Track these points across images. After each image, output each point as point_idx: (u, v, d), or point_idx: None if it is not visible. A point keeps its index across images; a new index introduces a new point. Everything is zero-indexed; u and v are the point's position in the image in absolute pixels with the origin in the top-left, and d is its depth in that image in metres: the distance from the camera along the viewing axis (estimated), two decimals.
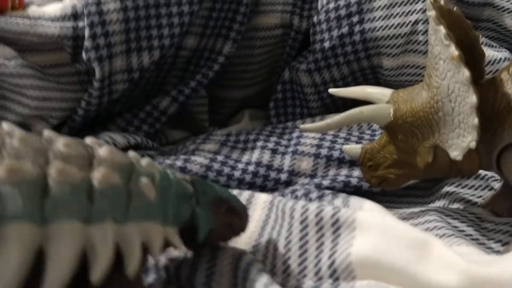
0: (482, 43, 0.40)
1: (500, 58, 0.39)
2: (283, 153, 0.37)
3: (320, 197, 0.29)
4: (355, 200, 0.27)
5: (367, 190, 0.33)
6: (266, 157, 0.36)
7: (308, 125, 0.29)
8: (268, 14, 0.46)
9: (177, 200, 0.21)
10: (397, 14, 0.40)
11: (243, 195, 0.28)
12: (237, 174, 0.35)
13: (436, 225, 0.27)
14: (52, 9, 0.39)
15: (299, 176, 0.35)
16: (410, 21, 0.40)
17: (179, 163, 0.35)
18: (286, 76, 0.46)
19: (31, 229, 0.16)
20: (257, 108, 0.51)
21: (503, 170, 0.27)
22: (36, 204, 0.16)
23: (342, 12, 0.42)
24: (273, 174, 0.35)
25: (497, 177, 0.33)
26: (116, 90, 0.40)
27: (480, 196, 0.32)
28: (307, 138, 0.37)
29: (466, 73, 0.24)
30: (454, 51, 0.24)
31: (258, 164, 0.36)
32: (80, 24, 0.38)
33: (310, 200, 0.29)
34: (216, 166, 0.36)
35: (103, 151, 0.19)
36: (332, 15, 0.42)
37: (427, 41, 0.37)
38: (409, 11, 0.40)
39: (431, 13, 0.25)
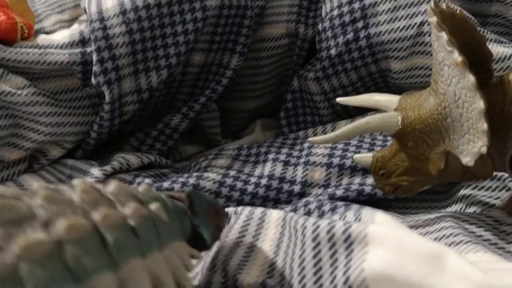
0: (491, 40, 0.40)
1: (511, 55, 0.39)
2: (295, 165, 0.36)
3: (333, 209, 0.28)
4: (367, 212, 0.26)
5: (382, 198, 0.33)
6: (278, 169, 0.36)
7: (317, 138, 0.29)
8: (273, 24, 0.46)
9: (178, 216, 0.22)
10: (402, 17, 0.40)
11: (256, 213, 0.28)
12: (250, 188, 0.35)
13: (452, 232, 0.27)
14: (61, 37, 0.39)
15: (312, 186, 0.35)
16: (415, 23, 0.40)
17: (192, 180, 0.36)
18: (295, 85, 0.46)
19: (110, 277, 0.17)
20: (268, 118, 0.51)
21: None
22: (102, 253, 0.17)
23: (347, 18, 0.42)
24: (286, 187, 0.35)
25: None
26: (127, 111, 0.40)
27: (498, 198, 0.32)
28: (318, 148, 0.37)
29: (471, 78, 0.23)
30: (457, 57, 0.24)
31: (271, 177, 0.36)
32: (88, 49, 0.38)
33: (323, 213, 0.29)
34: (229, 181, 0.36)
35: (112, 188, 0.19)
36: (337, 22, 0.42)
37: None
38: (414, 13, 0.40)
39: (433, 19, 0.25)
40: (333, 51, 0.42)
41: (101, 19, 0.38)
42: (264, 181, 0.36)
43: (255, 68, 0.47)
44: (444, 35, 0.24)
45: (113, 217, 0.18)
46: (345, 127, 0.28)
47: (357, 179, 0.35)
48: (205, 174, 0.36)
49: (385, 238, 0.21)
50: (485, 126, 0.24)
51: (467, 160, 0.25)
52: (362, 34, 0.41)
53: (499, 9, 0.44)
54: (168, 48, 0.40)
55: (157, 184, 0.35)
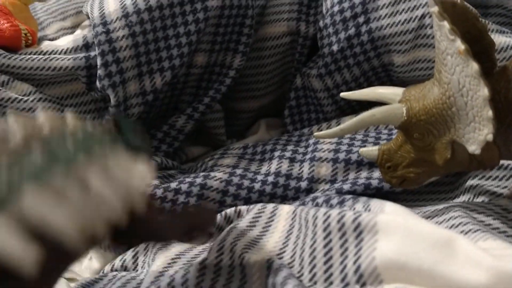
0: (492, 30, 0.40)
1: None
2: (301, 161, 0.37)
3: (341, 203, 0.29)
4: (376, 203, 0.26)
5: (389, 191, 0.33)
6: (285, 166, 0.37)
7: (322, 132, 0.29)
8: (274, 23, 0.46)
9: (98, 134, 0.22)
10: (403, 10, 0.40)
11: (268, 207, 0.28)
12: (257, 186, 0.35)
13: (461, 221, 0.27)
14: (65, 42, 0.40)
15: (319, 182, 0.35)
16: (416, 16, 0.40)
17: (199, 180, 0.36)
18: (298, 82, 0.46)
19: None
20: (273, 117, 0.51)
21: None
22: None
23: (347, 14, 0.42)
24: (293, 183, 0.35)
25: None
26: (132, 113, 0.41)
27: (505, 187, 0.32)
28: (324, 144, 0.37)
29: (475, 66, 0.23)
30: (460, 45, 0.24)
31: (277, 174, 0.36)
32: (92, 53, 0.39)
33: (331, 206, 0.29)
34: (236, 180, 0.36)
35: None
36: (338, 18, 0.42)
37: None
38: (415, 6, 0.40)
39: (434, 9, 0.25)
40: (335, 47, 0.43)
41: (104, 23, 0.38)
42: (271, 179, 0.36)
43: (258, 67, 0.47)
44: (446, 24, 0.24)
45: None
46: (350, 121, 0.28)
47: (364, 173, 0.35)
48: (212, 174, 0.37)
49: (395, 226, 0.21)
50: (490, 113, 0.24)
51: (474, 148, 0.25)
52: (363, 29, 0.41)
53: None
54: (171, 49, 0.40)
55: (164, 185, 0.36)
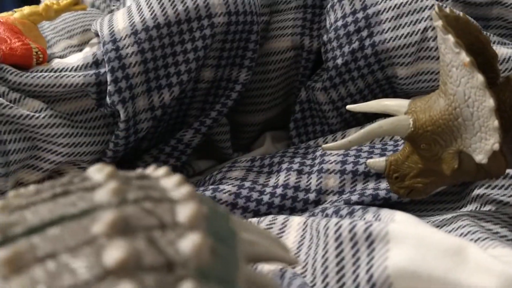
0: (494, 42, 0.41)
1: None
2: (309, 173, 0.37)
3: (351, 213, 0.29)
4: (386, 213, 0.27)
5: (396, 201, 0.34)
6: (293, 178, 0.37)
7: (330, 145, 0.30)
8: (278, 38, 0.47)
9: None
10: (406, 23, 0.41)
11: (278, 219, 0.29)
12: (266, 198, 0.36)
13: (470, 229, 0.27)
14: (75, 60, 0.41)
15: (327, 194, 0.36)
16: (419, 29, 0.41)
17: (208, 193, 0.36)
18: (303, 95, 0.47)
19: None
20: (278, 130, 0.51)
21: None
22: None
23: (351, 28, 0.43)
24: (301, 195, 0.36)
25: None
26: (141, 128, 0.41)
27: (511, 196, 0.32)
28: (331, 156, 0.38)
29: (480, 78, 0.24)
30: (465, 57, 0.24)
31: (286, 186, 0.37)
32: (102, 70, 0.39)
33: (341, 217, 0.29)
34: (244, 192, 0.36)
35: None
36: (342, 32, 0.43)
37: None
38: (417, 20, 0.41)
39: (438, 23, 0.26)
40: (339, 61, 0.43)
41: (114, 40, 0.39)
42: (279, 191, 0.36)
43: (263, 81, 0.48)
44: (450, 37, 0.25)
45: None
46: (357, 133, 0.29)
47: (371, 184, 0.35)
48: (221, 187, 0.37)
49: (406, 235, 0.22)
50: (496, 123, 0.24)
51: (481, 157, 0.26)
52: (367, 42, 0.42)
53: (500, 12, 0.45)
54: (179, 65, 0.41)
55: None
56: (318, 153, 0.39)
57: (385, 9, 0.41)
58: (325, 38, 0.44)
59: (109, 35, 0.39)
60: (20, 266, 0.13)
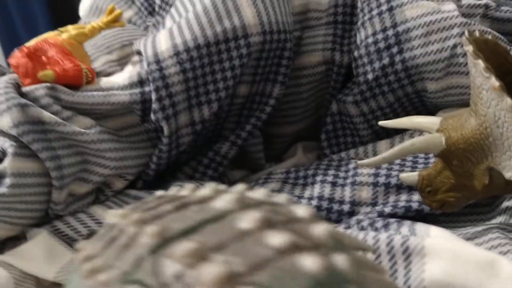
0: None
1: None
2: (343, 185, 0.39)
3: (386, 226, 0.31)
4: (421, 227, 0.28)
5: (429, 213, 0.35)
6: (327, 190, 0.39)
7: (365, 161, 0.31)
8: (310, 53, 0.49)
9: None
10: (435, 40, 0.42)
11: None
12: None
13: (500, 242, 0.29)
14: (121, 79, 0.43)
15: (360, 205, 0.37)
16: (448, 46, 0.42)
17: None
18: (334, 108, 0.49)
19: None
20: (309, 140, 0.53)
21: None
22: None
23: (381, 45, 0.44)
24: (335, 207, 0.38)
25: None
26: (183, 142, 0.44)
27: None
28: (363, 169, 0.39)
29: (509, 101, 0.26)
30: (495, 82, 0.26)
31: (320, 198, 0.38)
32: (146, 89, 0.42)
33: (376, 229, 0.31)
34: None
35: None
36: (372, 48, 0.45)
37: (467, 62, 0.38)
38: (446, 37, 0.42)
39: (469, 48, 0.27)
40: (370, 76, 0.45)
41: (157, 61, 0.42)
42: (314, 202, 0.38)
43: (295, 94, 0.50)
44: (481, 63, 0.26)
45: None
46: (391, 150, 0.31)
47: (403, 196, 0.37)
48: None
49: (442, 249, 0.23)
50: None
51: (510, 174, 0.27)
52: (397, 58, 0.44)
53: None
54: (218, 83, 0.43)
55: None
56: (351, 166, 0.41)
57: (414, 26, 0.43)
58: (356, 54, 0.46)
59: (153, 56, 0.42)
60: (202, 256, 0.15)
